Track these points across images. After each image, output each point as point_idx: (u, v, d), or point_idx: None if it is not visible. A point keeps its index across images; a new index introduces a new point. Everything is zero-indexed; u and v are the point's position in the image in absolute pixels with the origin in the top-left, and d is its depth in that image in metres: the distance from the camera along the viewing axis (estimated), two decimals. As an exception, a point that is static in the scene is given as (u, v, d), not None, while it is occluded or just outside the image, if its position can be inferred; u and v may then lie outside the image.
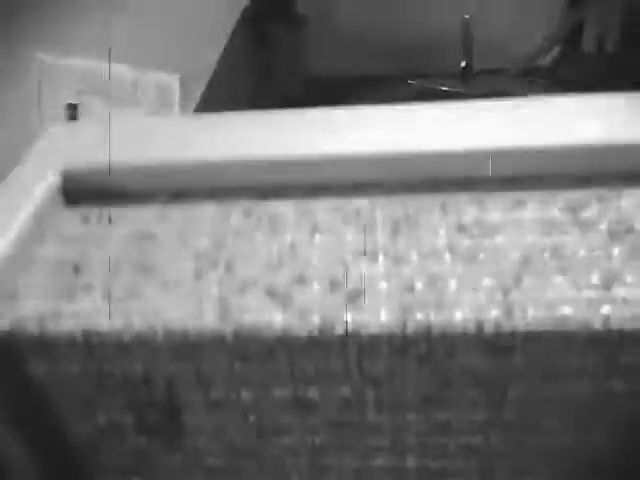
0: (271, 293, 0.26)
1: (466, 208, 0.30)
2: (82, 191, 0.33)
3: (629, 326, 0.24)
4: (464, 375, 0.26)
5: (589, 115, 0.32)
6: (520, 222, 0.29)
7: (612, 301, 0.25)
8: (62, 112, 0.70)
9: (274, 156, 0.32)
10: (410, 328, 0.25)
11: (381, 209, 0.31)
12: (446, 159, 0.31)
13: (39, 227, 0.31)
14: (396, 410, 0.27)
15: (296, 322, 0.25)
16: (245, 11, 0.82)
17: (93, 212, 0.32)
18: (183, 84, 0.63)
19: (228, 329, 0.25)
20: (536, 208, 0.30)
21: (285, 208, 0.31)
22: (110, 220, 0.31)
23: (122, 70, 0.65)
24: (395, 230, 0.29)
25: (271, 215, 0.31)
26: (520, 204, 0.30)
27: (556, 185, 0.31)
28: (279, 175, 0.32)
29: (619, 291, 0.25)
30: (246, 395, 0.27)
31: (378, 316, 0.25)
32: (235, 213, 0.31)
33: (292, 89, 0.84)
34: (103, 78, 0.66)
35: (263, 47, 0.84)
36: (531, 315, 0.25)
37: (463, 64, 0.68)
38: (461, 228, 0.29)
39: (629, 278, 0.26)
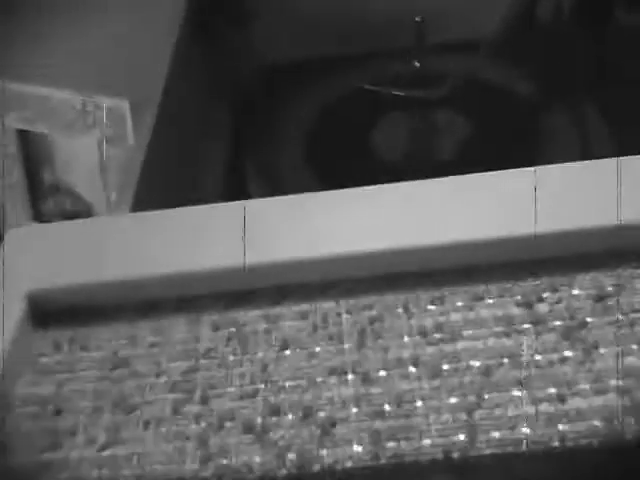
0: (248, 429, 0.28)
1: (427, 307, 0.31)
2: (49, 312, 0.33)
3: (584, 441, 0.26)
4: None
5: (537, 197, 0.33)
6: (479, 322, 0.30)
7: (567, 415, 0.27)
8: (11, 139, 0.69)
9: (235, 264, 0.33)
10: (382, 459, 0.26)
11: (347, 313, 0.32)
12: (405, 254, 0.32)
13: (14, 361, 0.31)
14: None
15: (274, 461, 0.27)
16: (187, 13, 0.80)
17: (64, 336, 0.32)
18: (134, 108, 0.62)
19: (210, 473, 0.27)
20: (493, 304, 0.31)
21: (253, 318, 0.32)
22: (81, 346, 0.32)
23: (70, 96, 0.63)
24: (362, 339, 0.30)
25: (239, 329, 0.32)
26: (478, 299, 0.31)
27: (511, 274, 0.32)
28: (243, 282, 0.33)
29: (574, 402, 0.27)
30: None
31: (351, 448, 0.27)
32: (204, 328, 0.32)
33: (246, 82, 0.83)
34: (51, 104, 0.65)
35: (210, 46, 0.82)
36: (493, 438, 0.26)
37: (417, 64, 0.68)
38: (424, 333, 0.30)
39: (582, 385, 0.28)
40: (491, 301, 0.31)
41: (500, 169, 0.67)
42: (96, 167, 0.67)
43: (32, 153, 0.72)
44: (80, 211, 0.72)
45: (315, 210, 0.35)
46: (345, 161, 0.68)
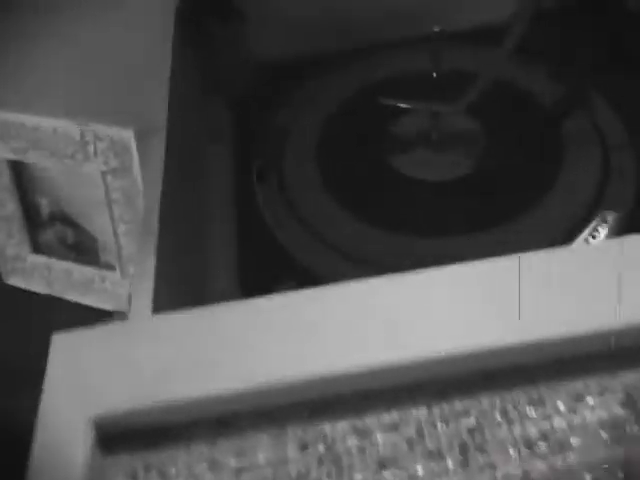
0: None
1: (527, 411, 0.30)
2: (116, 436, 0.30)
3: None
4: None
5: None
6: (585, 428, 0.29)
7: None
8: (5, 170, 0.65)
9: (315, 370, 0.30)
10: None
11: (442, 422, 0.30)
12: (495, 350, 0.30)
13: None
14: None
15: None
16: (179, 12, 0.75)
17: (137, 463, 0.30)
18: (139, 138, 0.58)
19: None
20: (597, 404, 0.30)
21: (342, 432, 0.30)
22: (158, 472, 0.30)
23: (68, 125, 0.59)
24: (464, 454, 0.29)
25: (329, 446, 0.30)
26: (580, 399, 0.30)
27: (610, 366, 0.31)
28: (324, 389, 0.31)
29: None
30: None
31: None
32: (291, 446, 0.30)
33: (242, 84, 0.79)
34: (47, 134, 0.61)
35: (204, 49, 0.78)
36: None
37: (434, 75, 0.64)
38: (529, 444, 0.29)
39: None
40: (593, 401, 0.30)
41: (522, 178, 0.65)
42: (101, 198, 0.63)
43: (28, 183, 0.68)
44: (83, 243, 0.68)
45: (390, 301, 0.33)
46: (355, 168, 0.65)
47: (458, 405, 0.30)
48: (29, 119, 0.61)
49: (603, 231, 0.57)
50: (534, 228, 0.57)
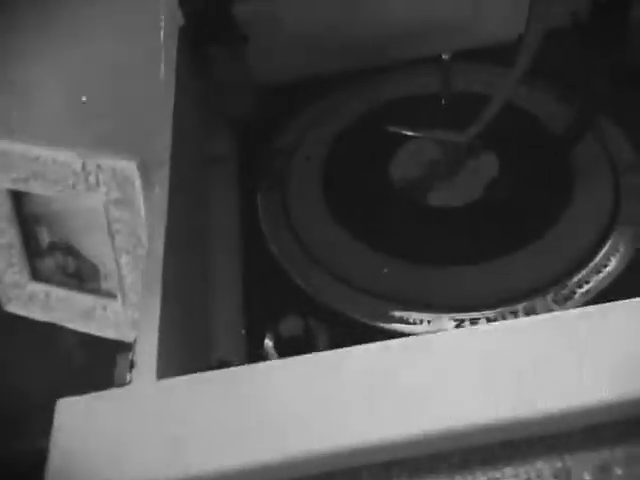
0: None
1: (556, 482, 0.29)
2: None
3: None
4: None
5: None
6: (614, 502, 0.28)
7: None
8: (5, 199, 0.64)
9: (334, 441, 0.29)
10: None
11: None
12: (519, 420, 0.30)
13: None
14: None
15: None
16: (182, 34, 0.74)
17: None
18: (142, 168, 0.57)
19: None
20: (625, 475, 0.29)
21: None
22: None
23: (69, 156, 0.58)
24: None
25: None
26: (605, 469, 0.29)
27: (637, 434, 0.30)
28: (344, 460, 0.30)
29: None
30: None
31: None
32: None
33: (245, 104, 0.78)
34: (48, 165, 0.59)
35: (207, 70, 0.77)
36: None
37: (443, 102, 0.63)
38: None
39: None
40: (621, 472, 0.29)
41: (531, 207, 0.64)
42: (102, 228, 0.62)
43: (28, 212, 0.67)
44: (84, 271, 0.68)
45: (408, 369, 0.32)
46: (362, 193, 0.63)
47: (480, 477, 0.29)
48: (30, 149, 0.60)
49: (615, 259, 0.57)
50: (548, 254, 0.56)
